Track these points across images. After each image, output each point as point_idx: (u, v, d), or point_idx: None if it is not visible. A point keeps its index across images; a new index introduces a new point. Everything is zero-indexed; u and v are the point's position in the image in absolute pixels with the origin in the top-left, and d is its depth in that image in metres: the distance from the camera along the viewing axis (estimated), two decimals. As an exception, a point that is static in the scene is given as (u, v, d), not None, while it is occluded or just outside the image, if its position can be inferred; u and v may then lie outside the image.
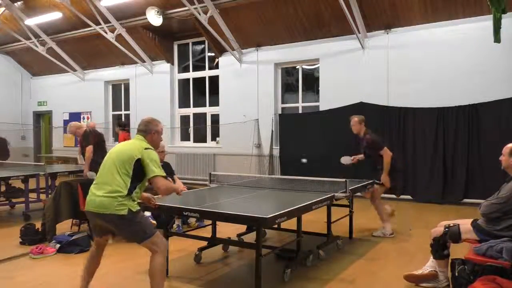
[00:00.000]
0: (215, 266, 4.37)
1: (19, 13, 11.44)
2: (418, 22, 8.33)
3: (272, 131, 10.06)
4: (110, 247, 5.02)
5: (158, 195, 3.61)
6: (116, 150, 3.22)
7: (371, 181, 5.68)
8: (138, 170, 3.07)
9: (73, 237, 4.88)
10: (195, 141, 11.83)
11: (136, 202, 3.11)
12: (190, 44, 11.91)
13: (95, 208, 3.06)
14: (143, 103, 12.26)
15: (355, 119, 5.86)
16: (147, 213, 4.99)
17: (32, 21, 11.61)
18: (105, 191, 3.02)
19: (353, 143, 6.25)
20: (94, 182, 3.19)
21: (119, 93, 13.49)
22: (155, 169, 3.06)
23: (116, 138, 12.40)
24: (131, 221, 3.03)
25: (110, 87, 13.61)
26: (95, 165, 5.92)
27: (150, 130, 3.33)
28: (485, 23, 7.28)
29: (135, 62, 12.10)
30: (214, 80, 11.33)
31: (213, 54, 11.31)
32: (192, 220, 5.92)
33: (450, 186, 7.93)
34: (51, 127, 14.86)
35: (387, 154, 5.52)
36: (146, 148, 3.13)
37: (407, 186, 8.35)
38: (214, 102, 11.36)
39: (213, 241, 4.53)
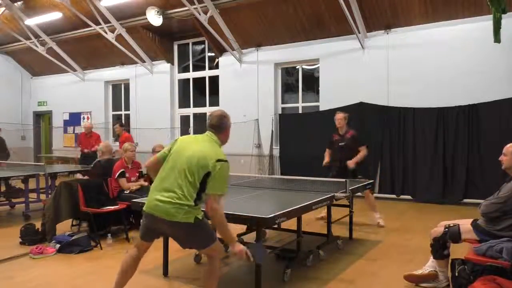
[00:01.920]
0: (215, 266, 4.36)
1: (19, 13, 11.44)
2: (418, 22, 8.33)
3: (272, 131, 10.06)
4: (110, 247, 5.03)
5: None
6: (187, 153, 2.87)
7: (371, 181, 5.70)
8: (204, 180, 2.79)
9: (73, 237, 4.88)
10: (195, 141, 11.79)
11: (200, 209, 2.87)
12: (190, 44, 11.91)
13: (159, 213, 2.81)
14: (143, 103, 12.26)
15: (341, 114, 6.30)
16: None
17: (32, 21, 11.61)
18: (171, 198, 2.77)
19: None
20: (156, 183, 2.92)
21: (119, 93, 13.49)
22: (215, 186, 2.76)
23: (117, 138, 12.41)
24: (198, 228, 2.84)
25: (110, 87, 13.61)
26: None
27: (225, 126, 3.02)
28: (485, 23, 7.28)
29: (135, 62, 12.09)
30: (214, 80, 11.33)
31: (213, 54, 11.31)
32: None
33: (450, 186, 7.93)
34: (51, 127, 14.86)
35: (365, 150, 6.14)
36: (218, 160, 2.78)
37: (407, 186, 8.37)
38: (214, 102, 11.35)
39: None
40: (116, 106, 13.56)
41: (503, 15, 5.99)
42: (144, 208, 2.94)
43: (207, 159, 2.77)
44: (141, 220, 3.03)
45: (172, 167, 2.87)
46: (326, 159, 6.38)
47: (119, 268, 3.05)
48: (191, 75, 12.01)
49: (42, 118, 15.63)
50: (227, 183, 2.87)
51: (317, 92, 9.79)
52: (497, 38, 6.18)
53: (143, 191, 5.54)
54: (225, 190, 2.83)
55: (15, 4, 11.24)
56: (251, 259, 2.90)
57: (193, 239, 2.90)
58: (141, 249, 3.05)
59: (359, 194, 5.71)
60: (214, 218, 2.79)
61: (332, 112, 8.99)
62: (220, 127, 3.00)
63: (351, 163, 6.00)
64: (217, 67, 11.24)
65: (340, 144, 6.24)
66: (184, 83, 12.18)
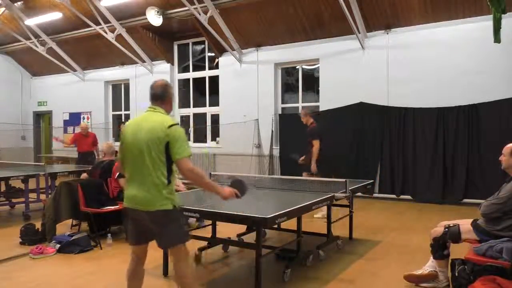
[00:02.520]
0: (215, 266, 4.37)
1: (19, 13, 11.44)
2: (418, 22, 8.33)
3: (272, 131, 10.06)
4: (110, 247, 5.03)
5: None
6: (139, 136, 2.77)
7: (371, 181, 5.70)
8: (167, 152, 2.71)
9: (73, 237, 4.88)
10: (195, 141, 11.82)
11: (177, 196, 2.81)
12: (190, 44, 11.91)
13: (139, 205, 2.74)
14: (143, 103, 12.25)
15: (302, 111, 7.19)
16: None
17: (32, 21, 11.61)
18: (146, 184, 2.71)
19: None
20: (127, 178, 2.86)
21: (119, 93, 13.49)
22: (180, 150, 2.67)
23: (117, 139, 12.42)
24: (176, 218, 2.76)
25: (110, 87, 13.61)
26: None
27: (169, 95, 2.91)
28: (485, 23, 7.28)
29: (135, 62, 12.10)
30: (214, 80, 11.33)
31: (213, 54, 11.31)
32: (192, 220, 5.92)
33: (450, 186, 7.93)
34: (51, 127, 14.86)
35: (316, 145, 6.59)
36: (170, 126, 2.70)
37: (407, 186, 8.37)
38: (214, 102, 11.36)
39: (213, 241, 4.53)
40: (116, 106, 13.56)
41: (503, 15, 5.98)
42: (124, 204, 2.87)
43: (160, 130, 2.70)
44: (127, 223, 2.93)
45: (133, 157, 2.79)
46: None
47: (126, 275, 2.94)
48: (191, 75, 12.01)
49: (42, 118, 15.63)
50: (187, 144, 2.78)
51: (317, 92, 9.79)
52: (497, 38, 6.18)
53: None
54: (189, 151, 2.74)
55: (15, 4, 11.24)
56: (239, 194, 2.97)
57: (168, 229, 2.74)
58: (139, 254, 2.92)
59: (359, 194, 5.73)
60: (193, 176, 2.73)
61: (332, 112, 9.08)
62: (164, 95, 2.89)
63: (313, 168, 6.57)
64: (217, 67, 11.24)
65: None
66: (184, 83, 12.18)
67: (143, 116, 2.90)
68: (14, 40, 13.17)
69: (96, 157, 9.18)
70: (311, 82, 10.14)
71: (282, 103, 10.39)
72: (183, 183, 6.25)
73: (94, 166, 6.20)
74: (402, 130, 8.40)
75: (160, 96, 2.89)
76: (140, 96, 12.36)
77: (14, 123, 14.14)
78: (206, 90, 11.66)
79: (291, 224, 4.32)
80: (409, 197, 8.32)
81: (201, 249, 4.52)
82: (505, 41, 6.79)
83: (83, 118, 13.82)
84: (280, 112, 10.26)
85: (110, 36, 11.05)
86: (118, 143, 9.58)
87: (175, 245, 2.78)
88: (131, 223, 2.89)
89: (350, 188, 4.56)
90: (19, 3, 11.28)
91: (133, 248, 2.92)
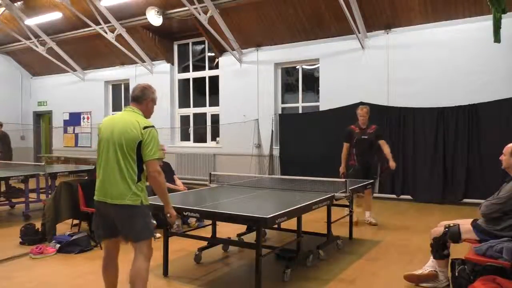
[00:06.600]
0: (215, 266, 4.37)
1: (19, 13, 11.44)
2: (418, 22, 8.33)
3: (272, 131, 10.06)
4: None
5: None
6: (114, 133, 2.90)
7: (371, 181, 5.70)
8: (139, 151, 2.87)
9: (73, 237, 4.88)
10: (195, 141, 11.83)
11: (146, 194, 2.94)
12: (190, 44, 11.91)
13: (108, 197, 2.87)
14: (143, 103, 12.24)
15: (366, 109, 6.50)
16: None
17: (32, 21, 11.61)
18: (116, 178, 2.84)
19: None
20: (99, 173, 2.97)
21: (119, 93, 13.49)
22: (151, 152, 2.84)
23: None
24: (141, 214, 2.88)
25: (110, 87, 13.61)
26: None
27: (147, 97, 3.05)
28: (485, 23, 7.28)
29: (135, 62, 12.09)
30: (214, 80, 11.33)
31: (213, 54, 11.31)
32: (192, 220, 5.93)
33: (450, 186, 7.93)
34: (51, 127, 14.86)
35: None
36: (145, 127, 2.87)
37: (407, 186, 8.36)
38: (214, 102, 11.36)
39: (213, 241, 4.53)
40: (116, 106, 13.56)
41: (503, 15, 6.00)
42: (95, 198, 2.99)
43: (135, 130, 2.86)
44: (93, 217, 3.10)
45: (107, 152, 2.92)
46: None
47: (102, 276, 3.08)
48: (191, 75, 12.01)
49: (42, 118, 15.62)
50: (158, 147, 2.95)
51: (317, 92, 9.79)
52: (497, 38, 6.19)
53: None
54: (160, 154, 2.96)
55: (15, 4, 11.24)
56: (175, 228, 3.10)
57: (134, 224, 2.88)
58: (109, 249, 3.05)
59: (360, 194, 5.73)
60: (159, 179, 2.89)
61: (332, 112, 9.07)
62: (141, 97, 3.04)
63: (393, 165, 6.25)
64: (217, 67, 11.24)
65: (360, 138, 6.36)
66: (184, 83, 12.18)
67: (119, 114, 3.07)
68: (14, 40, 13.16)
69: None
70: (311, 82, 10.14)
71: (282, 103, 10.39)
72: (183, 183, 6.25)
73: (94, 168, 6.20)
74: (402, 130, 8.40)
75: (137, 97, 3.05)
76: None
77: (14, 123, 14.12)
78: (206, 90, 11.66)
79: (291, 224, 4.31)
80: (409, 197, 8.32)
81: (201, 249, 4.51)
82: (505, 41, 6.80)
83: (83, 118, 13.83)
84: (280, 112, 10.26)
85: (110, 36, 11.05)
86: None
87: (143, 239, 2.90)
88: (99, 217, 3.02)
89: (350, 188, 4.56)
90: (19, 3, 11.28)
91: (105, 244, 3.07)
